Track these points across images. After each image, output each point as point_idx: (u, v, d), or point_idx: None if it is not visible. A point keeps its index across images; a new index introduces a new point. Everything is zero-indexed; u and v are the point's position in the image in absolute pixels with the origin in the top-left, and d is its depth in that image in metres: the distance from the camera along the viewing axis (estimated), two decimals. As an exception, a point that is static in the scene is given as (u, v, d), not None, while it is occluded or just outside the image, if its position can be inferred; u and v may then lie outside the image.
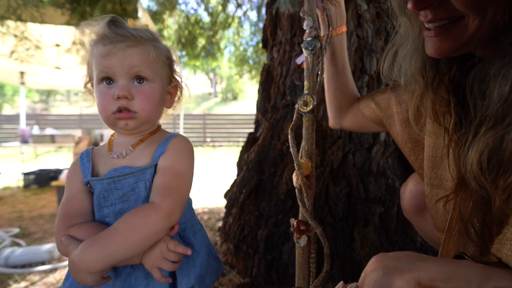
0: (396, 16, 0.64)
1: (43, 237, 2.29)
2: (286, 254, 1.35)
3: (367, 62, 1.45)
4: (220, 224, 2.33)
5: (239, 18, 4.57)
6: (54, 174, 4.53)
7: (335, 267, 1.29)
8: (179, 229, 0.68)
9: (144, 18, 3.07)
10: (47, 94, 23.79)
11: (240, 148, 1.91)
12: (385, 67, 0.69)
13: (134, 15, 2.83)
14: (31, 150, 7.93)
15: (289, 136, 0.77)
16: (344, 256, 1.30)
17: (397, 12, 0.63)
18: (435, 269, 0.41)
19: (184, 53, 4.74)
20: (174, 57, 0.75)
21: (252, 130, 1.87)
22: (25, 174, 4.38)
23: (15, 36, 2.77)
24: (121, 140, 0.71)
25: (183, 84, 0.78)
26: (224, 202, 1.83)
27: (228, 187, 1.84)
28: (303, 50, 0.81)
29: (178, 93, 0.77)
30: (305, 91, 0.81)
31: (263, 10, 4.15)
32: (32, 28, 2.92)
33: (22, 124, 5.28)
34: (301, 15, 0.82)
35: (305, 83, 0.82)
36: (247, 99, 20.76)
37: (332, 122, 0.98)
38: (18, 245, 2.10)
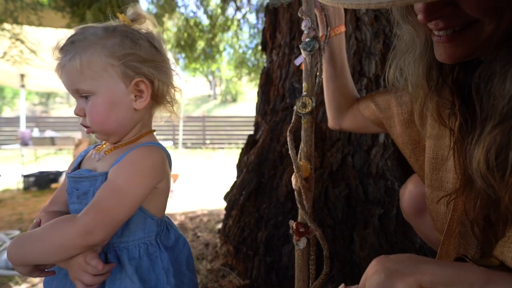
0: (399, 24, 0.62)
1: (43, 239, 2.28)
2: (286, 256, 1.35)
3: (365, 65, 1.46)
4: (219, 226, 2.33)
5: (238, 21, 4.59)
6: (54, 177, 4.53)
7: (334, 269, 1.29)
8: (113, 247, 0.64)
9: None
10: (47, 97, 23.79)
11: (239, 150, 1.92)
12: (390, 75, 0.68)
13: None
14: (31, 152, 7.93)
15: (288, 138, 0.77)
16: (343, 257, 1.30)
17: (400, 21, 0.62)
18: (437, 272, 0.41)
19: (183, 55, 4.75)
20: (140, 49, 0.65)
21: (251, 132, 1.87)
22: (25, 177, 4.38)
23: (10, 38, 2.78)
24: (108, 144, 0.72)
25: (157, 77, 0.67)
26: (223, 204, 1.84)
27: (227, 189, 1.84)
28: (302, 51, 0.81)
29: (159, 88, 0.68)
30: (304, 93, 0.81)
31: (262, 13, 4.16)
32: (29, 31, 2.93)
33: (22, 126, 5.28)
34: (299, 15, 0.81)
35: (304, 84, 0.81)
36: (246, 101, 20.77)
37: (331, 123, 0.97)
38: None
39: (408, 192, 0.93)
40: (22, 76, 5.07)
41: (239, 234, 1.55)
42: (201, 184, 4.79)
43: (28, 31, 2.89)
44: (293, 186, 0.80)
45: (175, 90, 0.73)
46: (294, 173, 0.78)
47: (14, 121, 11.88)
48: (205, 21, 4.67)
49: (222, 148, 11.38)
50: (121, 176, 0.61)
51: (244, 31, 4.70)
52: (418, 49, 0.60)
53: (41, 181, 4.36)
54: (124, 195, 0.60)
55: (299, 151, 0.81)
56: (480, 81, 0.52)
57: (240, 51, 4.81)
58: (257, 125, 1.84)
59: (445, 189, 0.67)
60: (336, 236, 1.32)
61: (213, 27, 4.53)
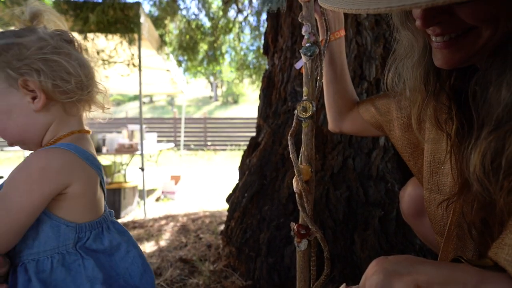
0: (398, 29, 0.63)
1: (47, 241, 2.31)
2: (287, 257, 1.37)
3: (366, 69, 1.48)
4: (222, 227, 2.35)
5: (240, 23, 4.62)
6: (56, 178, 4.55)
7: (336, 270, 1.30)
8: (22, 260, 0.60)
9: (146, 24, 3.11)
10: (49, 98, 23.77)
11: (241, 152, 1.94)
12: (389, 80, 0.70)
13: (136, 20, 2.87)
14: (33, 154, 7.94)
15: (289, 142, 0.79)
16: (344, 258, 1.32)
17: (399, 26, 0.63)
18: (433, 273, 0.42)
19: (185, 58, 4.78)
20: (18, 47, 0.60)
21: (253, 134, 1.89)
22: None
23: None
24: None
25: (44, 72, 0.60)
26: (225, 205, 1.85)
27: (230, 191, 1.86)
28: (302, 55, 0.83)
29: (50, 82, 0.61)
30: (304, 97, 0.82)
31: (263, 15, 4.19)
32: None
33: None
34: (300, 20, 0.82)
35: (304, 89, 0.83)
36: (248, 103, 20.79)
37: (331, 126, 0.98)
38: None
39: (408, 194, 0.94)
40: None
41: (242, 235, 1.56)
42: (203, 186, 4.81)
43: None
44: (294, 189, 0.81)
45: (82, 81, 0.65)
46: (295, 176, 0.79)
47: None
48: (207, 23, 4.70)
49: (224, 150, 11.40)
50: (8, 183, 0.58)
51: (246, 33, 4.73)
52: (416, 54, 0.62)
53: (44, 183, 4.38)
54: (10, 203, 0.56)
55: (300, 155, 0.83)
56: (476, 88, 0.54)
57: (242, 53, 4.84)
58: (259, 128, 1.86)
59: (443, 193, 0.69)
60: (337, 237, 1.34)
61: (215, 29, 4.56)
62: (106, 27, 2.84)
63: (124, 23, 2.86)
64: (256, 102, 1.95)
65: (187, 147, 11.62)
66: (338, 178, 1.45)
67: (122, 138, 4.00)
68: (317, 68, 0.84)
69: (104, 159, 4.37)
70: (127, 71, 3.61)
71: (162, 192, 3.81)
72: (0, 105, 0.61)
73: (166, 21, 4.44)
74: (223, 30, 4.60)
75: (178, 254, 1.87)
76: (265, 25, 2.04)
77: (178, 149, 10.66)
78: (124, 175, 4.34)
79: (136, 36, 2.98)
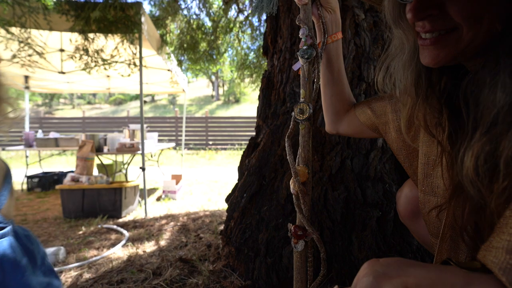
0: (390, 28, 0.65)
1: (48, 240, 2.33)
2: (286, 258, 1.38)
3: (364, 70, 1.49)
4: (222, 227, 2.36)
5: (241, 23, 4.62)
6: (57, 177, 4.59)
7: (333, 270, 1.31)
8: None
9: (147, 24, 3.12)
10: (50, 97, 23.95)
11: (242, 151, 1.95)
12: (379, 79, 0.70)
13: (137, 20, 2.88)
14: (35, 153, 8.00)
15: (286, 144, 0.80)
16: (342, 259, 1.33)
17: (391, 24, 0.64)
18: (422, 275, 0.42)
19: (186, 57, 4.79)
20: None
21: (254, 133, 1.90)
22: (29, 178, 4.43)
23: (19, 42, 2.83)
24: None
25: None
26: (225, 205, 1.86)
27: (230, 190, 1.87)
28: (299, 58, 0.84)
29: None
30: (301, 99, 0.83)
31: (263, 16, 4.19)
32: (37, 35, 2.98)
33: (26, 127, 5.34)
34: (297, 23, 0.83)
35: (302, 91, 0.84)
36: (249, 102, 20.80)
37: (328, 127, 0.99)
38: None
39: (404, 195, 0.95)
40: (26, 77, 5.14)
41: (241, 235, 1.58)
42: (204, 185, 4.83)
43: (35, 34, 2.94)
44: (291, 190, 0.82)
45: None
46: (292, 178, 0.80)
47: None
48: (208, 23, 4.71)
49: (225, 149, 11.41)
50: None
51: (247, 33, 4.73)
52: (407, 53, 0.63)
53: (45, 182, 4.42)
54: None
55: (297, 156, 0.84)
56: (468, 91, 0.54)
57: (242, 52, 4.84)
58: (258, 129, 1.87)
59: (437, 195, 0.69)
60: (335, 238, 1.35)
61: (216, 29, 4.57)
62: (106, 27, 2.85)
63: (125, 23, 2.87)
64: (257, 102, 1.96)
65: (188, 146, 11.64)
66: (336, 179, 1.46)
67: (123, 137, 4.02)
68: (314, 70, 0.85)
69: (106, 159, 4.40)
70: (128, 71, 3.63)
71: (163, 192, 3.82)
72: None
73: (167, 21, 4.44)
74: (224, 29, 4.61)
75: (178, 253, 1.88)
76: (265, 25, 2.05)
77: (180, 149, 10.68)
78: (126, 175, 4.36)
79: (137, 35, 2.99)
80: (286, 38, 1.72)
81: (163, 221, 2.76)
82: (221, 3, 4.58)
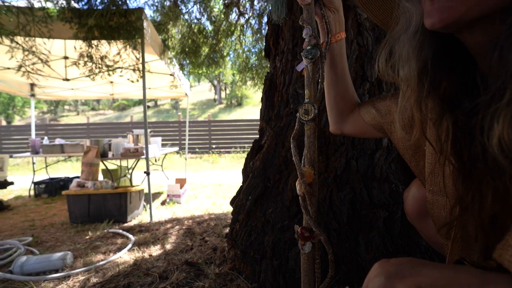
0: (400, 1, 0.60)
1: (55, 245, 2.34)
2: (292, 260, 1.37)
3: (368, 70, 1.48)
4: (227, 230, 2.35)
5: (242, 26, 4.63)
6: (63, 183, 4.62)
7: (341, 272, 1.30)
8: None
9: (149, 29, 3.14)
10: (56, 104, 24.18)
11: (245, 154, 1.94)
12: (381, 62, 0.66)
13: (139, 26, 2.90)
14: (41, 159, 8.07)
15: (292, 145, 0.80)
16: (349, 260, 1.31)
17: None
18: (435, 275, 0.41)
19: (187, 61, 4.81)
20: None
21: (257, 136, 1.90)
22: (36, 184, 4.47)
23: (24, 50, 2.86)
24: None
25: None
26: (230, 208, 1.86)
27: (234, 193, 1.87)
28: (303, 58, 0.83)
29: None
30: (306, 100, 0.83)
31: (265, 18, 4.20)
32: (41, 43, 3.01)
33: (33, 135, 5.39)
34: (301, 23, 0.83)
35: (306, 91, 0.83)
36: (251, 105, 20.82)
37: (332, 128, 0.98)
38: (33, 253, 2.15)
39: (412, 195, 0.94)
40: (32, 85, 5.20)
41: (246, 238, 1.57)
42: (208, 189, 4.83)
43: (39, 43, 2.97)
44: (298, 191, 0.82)
45: None
46: (298, 179, 0.80)
47: (24, 129, 12.09)
48: (209, 27, 4.73)
49: (229, 152, 11.42)
50: None
51: (248, 36, 4.74)
52: (413, 28, 0.58)
53: (52, 188, 4.45)
54: None
55: (303, 157, 0.83)
56: (493, 56, 0.46)
57: (244, 55, 4.86)
58: (262, 131, 1.87)
59: (446, 194, 0.68)
60: (342, 239, 1.34)
61: (217, 32, 4.59)
62: (109, 33, 2.87)
63: (127, 29, 2.89)
64: (260, 105, 1.96)
65: (192, 150, 11.66)
66: (341, 180, 1.45)
67: (127, 142, 4.04)
68: (318, 70, 0.84)
69: (110, 164, 4.41)
70: (134, 76, 3.65)
71: (168, 196, 3.83)
72: None
73: (169, 26, 4.47)
74: (225, 33, 4.62)
75: (184, 257, 1.88)
76: (267, 27, 2.05)
77: (183, 153, 10.70)
78: (130, 179, 4.38)
79: (139, 41, 3.01)
80: (288, 40, 1.72)
81: (168, 225, 2.76)
82: (221, 7, 4.59)
